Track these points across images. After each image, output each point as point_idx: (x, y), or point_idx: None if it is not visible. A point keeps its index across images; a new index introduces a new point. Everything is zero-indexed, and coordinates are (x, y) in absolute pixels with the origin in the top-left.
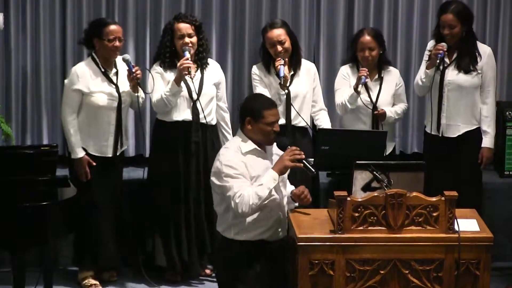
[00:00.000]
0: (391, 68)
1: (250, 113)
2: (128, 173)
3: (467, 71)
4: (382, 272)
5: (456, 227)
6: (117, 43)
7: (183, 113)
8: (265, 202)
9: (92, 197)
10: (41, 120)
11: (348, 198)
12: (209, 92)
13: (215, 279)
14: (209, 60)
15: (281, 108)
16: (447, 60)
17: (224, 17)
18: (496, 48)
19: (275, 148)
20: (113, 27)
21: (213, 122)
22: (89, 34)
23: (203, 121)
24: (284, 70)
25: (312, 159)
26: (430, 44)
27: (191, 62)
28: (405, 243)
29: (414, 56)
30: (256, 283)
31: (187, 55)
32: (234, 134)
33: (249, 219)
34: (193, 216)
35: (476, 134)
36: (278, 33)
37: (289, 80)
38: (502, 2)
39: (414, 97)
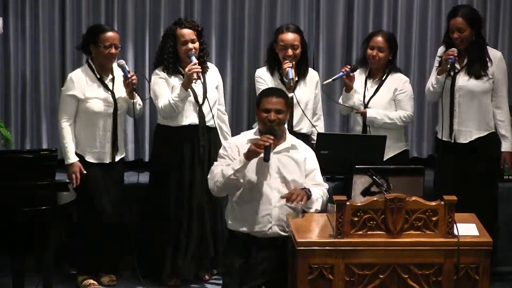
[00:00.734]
0: (398, 74)
1: (256, 101)
2: (128, 177)
3: (478, 77)
4: (381, 276)
5: (455, 232)
6: (113, 50)
7: (189, 118)
8: (233, 180)
9: (91, 202)
10: (40, 124)
11: (348, 203)
12: (213, 95)
13: (215, 283)
14: (208, 64)
15: None
16: (458, 65)
17: (224, 21)
18: None
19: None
20: (109, 34)
21: (215, 125)
22: (86, 40)
23: (208, 124)
24: (292, 73)
25: None
26: (441, 50)
27: (199, 67)
28: (405, 248)
29: (414, 59)
30: (236, 277)
31: (194, 60)
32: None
33: (238, 210)
34: (196, 220)
35: (488, 140)
36: (294, 37)
37: (295, 83)
38: (502, 5)
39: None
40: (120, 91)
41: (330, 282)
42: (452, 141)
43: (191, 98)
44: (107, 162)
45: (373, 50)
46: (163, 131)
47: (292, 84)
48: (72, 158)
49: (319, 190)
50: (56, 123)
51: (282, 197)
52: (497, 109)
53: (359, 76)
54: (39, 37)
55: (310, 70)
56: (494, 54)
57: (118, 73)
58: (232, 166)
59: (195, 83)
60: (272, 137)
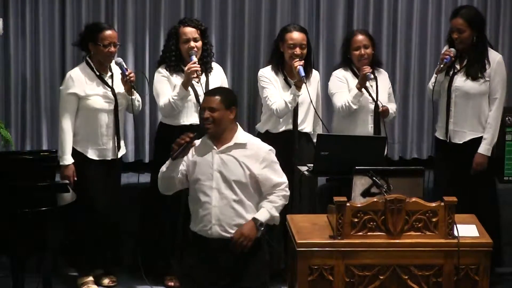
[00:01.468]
0: (381, 69)
1: None
2: (127, 178)
3: (475, 78)
4: (381, 277)
5: (455, 233)
6: (112, 49)
7: (190, 118)
8: (165, 178)
9: (93, 201)
10: (40, 125)
11: (348, 204)
12: None
13: None
14: (213, 64)
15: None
16: (457, 66)
17: (224, 21)
18: None
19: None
20: (108, 32)
21: None
22: (84, 38)
23: None
24: (303, 71)
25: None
26: (444, 49)
27: (198, 66)
28: (405, 249)
29: (414, 59)
30: (187, 278)
31: (194, 59)
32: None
33: (191, 209)
34: None
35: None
36: (302, 36)
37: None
38: (502, 7)
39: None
40: (119, 88)
41: (330, 283)
42: (448, 140)
43: (193, 97)
44: (109, 158)
45: (360, 50)
46: (165, 129)
47: (304, 81)
48: (68, 160)
49: (274, 198)
50: (56, 124)
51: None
52: (490, 111)
53: (347, 75)
54: (39, 38)
55: (313, 70)
56: (494, 56)
57: (116, 70)
58: (166, 163)
59: (197, 82)
60: (191, 135)
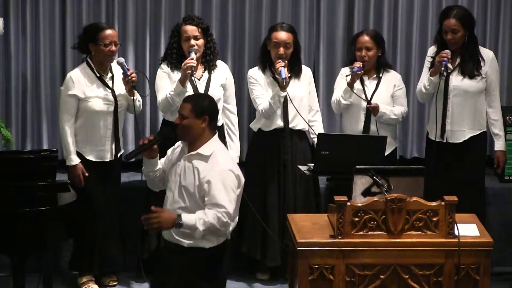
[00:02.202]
0: (391, 71)
1: None
2: (128, 177)
3: (471, 76)
4: (382, 277)
5: (456, 232)
6: (113, 48)
7: None
8: (144, 175)
9: (91, 202)
10: (41, 125)
11: (348, 203)
12: (215, 93)
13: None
14: (218, 62)
15: (278, 111)
16: (450, 66)
17: (224, 20)
18: (496, 52)
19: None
20: (108, 31)
21: (219, 123)
22: (84, 39)
23: None
24: (285, 72)
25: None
26: (431, 50)
27: (195, 62)
28: (405, 248)
29: (414, 59)
30: (153, 283)
31: (193, 55)
32: (240, 135)
33: None
34: None
35: (480, 139)
36: (287, 36)
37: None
38: (502, 6)
39: (414, 102)
40: (120, 89)
41: (330, 282)
42: (444, 141)
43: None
44: (108, 160)
45: (361, 51)
46: (167, 126)
47: (285, 84)
48: (75, 160)
49: (209, 214)
50: (57, 124)
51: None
52: (490, 108)
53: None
54: (40, 38)
55: (303, 67)
56: (487, 53)
57: (117, 71)
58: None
59: (199, 79)
60: (151, 138)
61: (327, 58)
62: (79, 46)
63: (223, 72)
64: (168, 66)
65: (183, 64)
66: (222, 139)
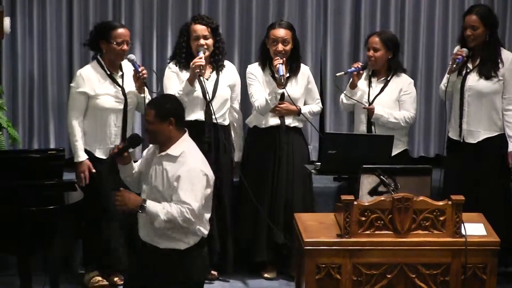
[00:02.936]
0: (403, 75)
1: None
2: None
3: (488, 77)
4: (389, 276)
5: (463, 231)
6: (125, 47)
7: (195, 113)
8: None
9: (99, 201)
10: (48, 124)
11: (355, 202)
12: (223, 93)
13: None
14: (226, 62)
15: None
16: (470, 65)
17: (231, 19)
18: None
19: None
20: (121, 30)
21: (226, 123)
22: (95, 37)
23: (215, 121)
24: (282, 69)
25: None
26: (456, 49)
27: (203, 61)
28: (412, 247)
29: (421, 60)
30: (129, 281)
31: (201, 54)
32: (244, 133)
33: None
34: None
35: (496, 141)
36: (285, 33)
37: (286, 79)
38: (509, 6)
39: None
40: (130, 87)
41: (337, 281)
42: (461, 140)
43: (199, 94)
44: None
45: (369, 51)
46: None
47: (283, 81)
48: (82, 156)
49: (174, 207)
50: (63, 123)
51: None
52: (506, 110)
53: (363, 75)
54: (47, 36)
55: (302, 65)
56: (506, 55)
57: (127, 69)
58: None
59: (207, 79)
60: (119, 147)
61: (334, 58)
62: (89, 43)
63: (231, 72)
64: (176, 66)
65: (191, 63)
66: (228, 138)
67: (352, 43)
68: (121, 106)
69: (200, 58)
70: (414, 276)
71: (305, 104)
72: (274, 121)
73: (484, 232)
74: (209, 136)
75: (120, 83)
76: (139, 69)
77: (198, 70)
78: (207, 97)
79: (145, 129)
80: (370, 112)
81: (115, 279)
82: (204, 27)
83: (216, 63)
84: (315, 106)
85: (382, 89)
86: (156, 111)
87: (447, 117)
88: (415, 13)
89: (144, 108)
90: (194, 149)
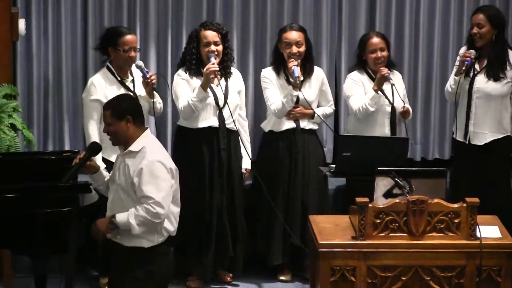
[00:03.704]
0: (394, 71)
1: None
2: None
3: (496, 79)
4: (403, 278)
5: (478, 234)
6: (132, 53)
7: (209, 120)
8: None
9: None
10: (62, 126)
11: (370, 205)
12: (234, 100)
13: (235, 285)
14: (232, 69)
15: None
16: (477, 67)
17: (245, 23)
18: None
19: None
20: (128, 37)
21: (235, 129)
22: (104, 43)
23: (228, 127)
24: (298, 71)
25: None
26: (462, 50)
27: (217, 67)
28: (427, 250)
29: (436, 60)
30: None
31: (213, 60)
32: (251, 139)
33: None
34: (215, 221)
35: (503, 143)
36: (298, 35)
37: (301, 81)
38: (510, 6)
39: (436, 103)
40: (141, 92)
41: (352, 284)
42: (467, 142)
43: (212, 100)
44: None
45: (376, 53)
46: (182, 132)
47: (298, 83)
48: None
49: (139, 209)
50: (78, 125)
51: None
52: None
53: (362, 78)
54: (61, 39)
55: (315, 67)
56: None
57: (137, 74)
58: None
59: (217, 85)
60: (80, 157)
61: (348, 58)
62: (100, 48)
63: (238, 79)
64: (186, 72)
65: (205, 69)
66: (238, 142)
67: None
68: None
69: (213, 64)
70: (428, 278)
71: (318, 106)
72: (289, 124)
73: (499, 235)
74: (225, 143)
75: (131, 88)
76: (147, 75)
77: (213, 76)
78: (220, 103)
79: (105, 131)
80: (407, 113)
81: None
82: (214, 33)
83: (224, 70)
84: (328, 108)
85: (392, 89)
86: (112, 111)
87: (454, 119)
88: (430, 12)
89: (155, 113)
90: (154, 143)
